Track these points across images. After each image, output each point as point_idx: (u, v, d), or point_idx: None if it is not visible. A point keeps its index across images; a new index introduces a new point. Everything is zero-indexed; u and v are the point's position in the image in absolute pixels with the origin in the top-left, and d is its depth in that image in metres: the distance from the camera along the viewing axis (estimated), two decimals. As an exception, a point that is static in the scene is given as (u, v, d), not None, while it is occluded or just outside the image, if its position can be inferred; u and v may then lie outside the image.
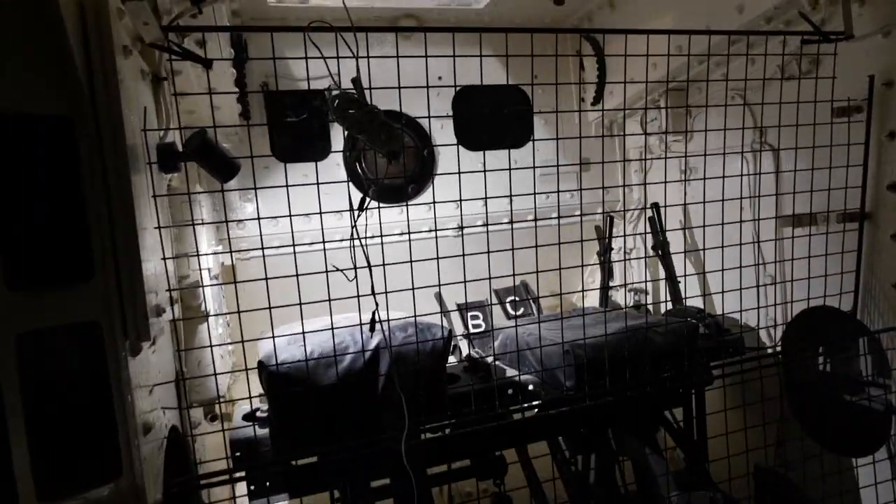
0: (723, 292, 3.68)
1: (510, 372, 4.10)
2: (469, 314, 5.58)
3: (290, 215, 2.72)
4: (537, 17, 5.51)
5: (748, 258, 3.94)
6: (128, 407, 2.13)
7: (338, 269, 2.59)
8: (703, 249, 3.54)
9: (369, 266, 2.68)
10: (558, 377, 3.70)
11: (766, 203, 4.07)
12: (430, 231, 5.36)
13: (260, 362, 3.16)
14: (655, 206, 5.00)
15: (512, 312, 5.74)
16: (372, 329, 3.01)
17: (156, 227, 2.45)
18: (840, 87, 3.57)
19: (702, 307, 4.77)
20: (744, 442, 3.83)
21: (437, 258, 2.94)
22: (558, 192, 3.52)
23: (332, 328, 2.84)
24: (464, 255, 3.01)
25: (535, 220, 3.29)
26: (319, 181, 2.73)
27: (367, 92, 3.17)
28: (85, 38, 2.01)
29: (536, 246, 3.20)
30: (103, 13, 2.02)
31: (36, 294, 1.99)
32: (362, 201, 2.62)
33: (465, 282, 3.12)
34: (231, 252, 4.73)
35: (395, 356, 3.24)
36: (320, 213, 2.72)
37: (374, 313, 2.87)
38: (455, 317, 5.44)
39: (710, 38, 3.49)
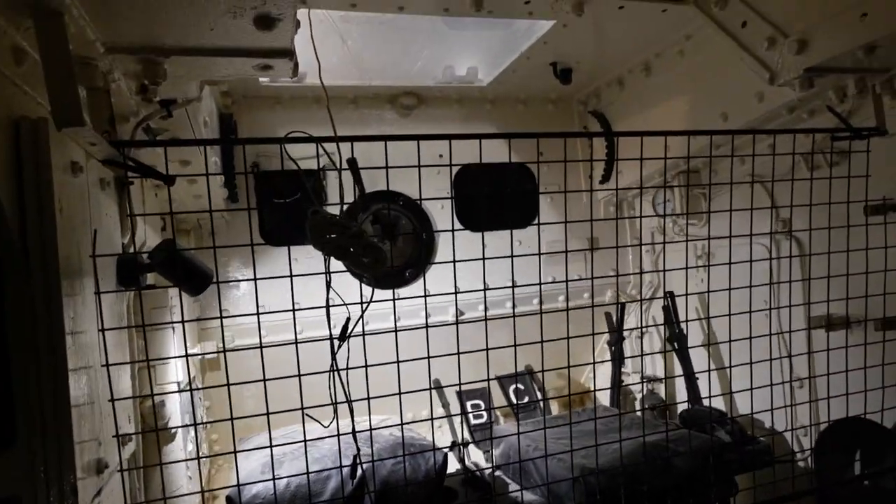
0: (752, 404, 3.27)
1: (513, 488, 3.69)
2: (469, 403, 5.20)
3: (258, 313, 2.39)
4: (543, 94, 5.31)
5: (770, 355, 3.57)
6: None
7: (311, 417, 2.24)
8: (730, 362, 3.16)
9: (349, 401, 2.32)
10: (567, 502, 3.28)
11: (794, 298, 3.71)
12: (428, 317, 5.08)
13: (228, 498, 2.78)
14: (670, 294, 4.66)
15: (515, 400, 5.35)
16: (353, 476, 2.63)
17: (104, 365, 2.12)
18: (874, 183, 3.27)
19: (722, 409, 4.37)
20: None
21: (429, 356, 2.55)
22: (568, 276, 3.09)
23: (307, 473, 2.46)
24: (458, 351, 2.63)
25: (541, 310, 2.89)
26: (312, 264, 2.39)
27: (363, 173, 2.89)
28: (19, 163, 1.73)
29: (542, 341, 2.80)
30: (41, 136, 1.74)
31: (-60, 468, 1.65)
32: (344, 329, 2.29)
33: (459, 383, 2.73)
34: (202, 354, 4.39)
35: (383, 489, 2.85)
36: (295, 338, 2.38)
37: (355, 458, 2.50)
38: (454, 400, 5.05)
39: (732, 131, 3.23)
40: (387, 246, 4.66)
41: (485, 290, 2.69)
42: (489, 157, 2.79)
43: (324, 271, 2.25)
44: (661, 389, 5.45)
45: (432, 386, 4.85)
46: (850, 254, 3.26)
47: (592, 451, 3.24)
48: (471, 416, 5.13)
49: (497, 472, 3.97)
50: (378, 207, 4.66)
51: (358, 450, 2.42)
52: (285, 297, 2.50)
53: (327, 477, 2.85)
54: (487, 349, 2.64)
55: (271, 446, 2.35)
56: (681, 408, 4.78)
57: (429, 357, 2.50)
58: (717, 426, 4.18)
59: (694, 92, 4.31)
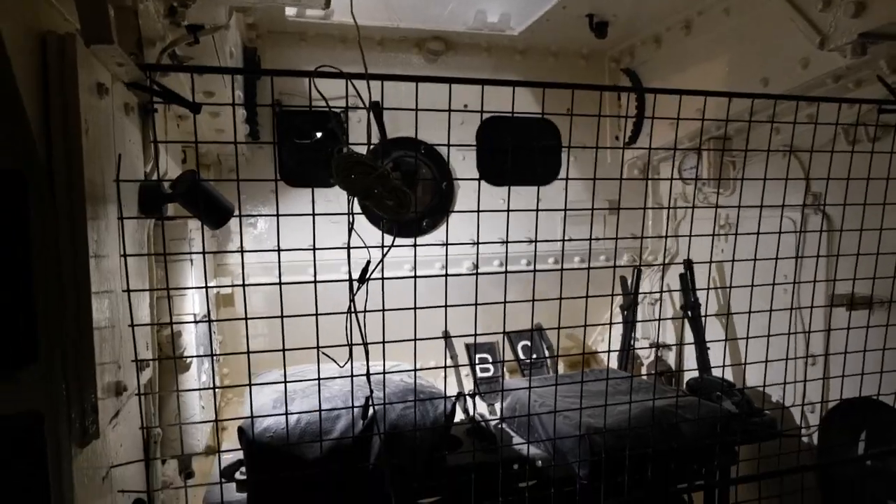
0: (765, 376, 3.25)
1: (517, 440, 3.74)
2: (478, 356, 5.24)
3: (279, 250, 2.38)
4: (575, 47, 5.13)
5: (788, 330, 3.52)
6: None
7: (328, 356, 2.25)
8: (748, 333, 3.12)
9: (365, 343, 2.33)
10: (571, 458, 3.33)
11: (818, 274, 3.63)
12: (443, 268, 5.08)
13: (240, 429, 2.84)
14: (688, 262, 4.60)
15: (524, 357, 5.39)
16: (365, 417, 2.66)
17: (124, 291, 2.12)
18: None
19: (730, 380, 4.37)
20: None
21: (446, 305, 2.52)
22: (593, 237, 3.05)
23: (319, 410, 2.48)
24: (476, 303, 2.60)
25: (562, 267, 2.86)
26: (330, 208, 2.36)
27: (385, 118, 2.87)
28: (45, 80, 1.69)
29: (561, 298, 2.76)
30: (69, 53, 1.69)
31: (-37, 380, 1.68)
32: (364, 272, 2.27)
33: (475, 334, 2.72)
34: (218, 288, 4.43)
35: (391, 431, 2.89)
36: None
37: (367, 399, 2.52)
38: (462, 352, 5.11)
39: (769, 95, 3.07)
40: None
41: (507, 242, 2.64)
42: (516, 110, 2.70)
43: (346, 212, 2.21)
44: (669, 356, 5.46)
45: (445, 335, 4.89)
46: (882, 233, 3.17)
47: (599, 410, 3.28)
48: (478, 368, 5.18)
49: (502, 425, 4.03)
50: (400, 154, 4.59)
51: (371, 391, 2.44)
52: (301, 240, 2.49)
53: (337, 416, 2.89)
54: (505, 302, 2.63)
55: (285, 381, 2.37)
56: (688, 376, 4.80)
57: (446, 306, 2.48)
58: (724, 396, 4.19)
59: (735, 54, 4.14)
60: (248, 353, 2.33)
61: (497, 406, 4.71)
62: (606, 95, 5.49)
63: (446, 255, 2.59)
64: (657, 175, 5.40)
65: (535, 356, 5.31)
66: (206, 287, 2.37)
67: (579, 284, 2.99)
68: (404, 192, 2.14)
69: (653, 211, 5.54)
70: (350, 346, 2.32)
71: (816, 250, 3.28)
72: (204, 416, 3.32)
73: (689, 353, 5.16)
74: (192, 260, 3.13)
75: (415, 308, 2.42)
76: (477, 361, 5.20)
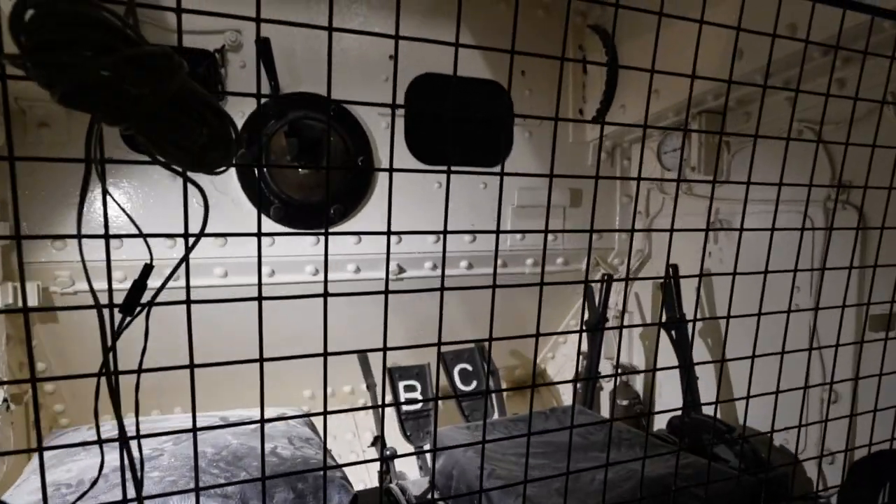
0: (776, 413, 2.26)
1: (454, 521, 2.61)
2: (402, 384, 4.10)
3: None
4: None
5: (799, 357, 2.53)
6: None
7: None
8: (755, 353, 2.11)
9: (116, 405, 1.11)
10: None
11: (835, 286, 2.68)
12: (359, 271, 3.88)
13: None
14: (674, 268, 3.62)
15: (461, 387, 4.29)
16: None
17: None
18: None
19: (719, 417, 3.43)
20: None
21: (325, 330, 1.37)
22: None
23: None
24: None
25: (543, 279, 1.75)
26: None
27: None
28: None
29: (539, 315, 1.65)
30: None
31: None
32: (137, 288, 1.05)
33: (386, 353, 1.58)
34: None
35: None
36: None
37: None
38: (379, 374, 3.95)
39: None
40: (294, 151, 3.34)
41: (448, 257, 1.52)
42: (455, 69, 1.56)
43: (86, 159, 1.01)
44: (635, 383, 4.49)
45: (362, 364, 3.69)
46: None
47: (570, 484, 2.22)
48: (403, 398, 4.03)
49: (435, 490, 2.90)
50: (299, 116, 3.34)
51: (140, 495, 1.18)
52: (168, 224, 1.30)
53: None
54: (441, 329, 1.49)
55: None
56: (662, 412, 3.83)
57: (325, 332, 1.31)
58: (719, 441, 3.25)
59: (743, -2, 3.17)
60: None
61: (427, 456, 3.60)
62: (570, 63, 4.46)
63: (326, 257, 1.40)
64: (627, 159, 4.41)
65: (474, 384, 4.21)
66: None
67: (531, 293, 1.90)
68: (216, 110, 0.94)
69: (619, 206, 4.57)
70: (115, 408, 1.10)
71: (819, 257, 2.31)
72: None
73: (664, 382, 4.23)
74: None
75: (261, 339, 1.22)
76: (402, 389, 4.06)
